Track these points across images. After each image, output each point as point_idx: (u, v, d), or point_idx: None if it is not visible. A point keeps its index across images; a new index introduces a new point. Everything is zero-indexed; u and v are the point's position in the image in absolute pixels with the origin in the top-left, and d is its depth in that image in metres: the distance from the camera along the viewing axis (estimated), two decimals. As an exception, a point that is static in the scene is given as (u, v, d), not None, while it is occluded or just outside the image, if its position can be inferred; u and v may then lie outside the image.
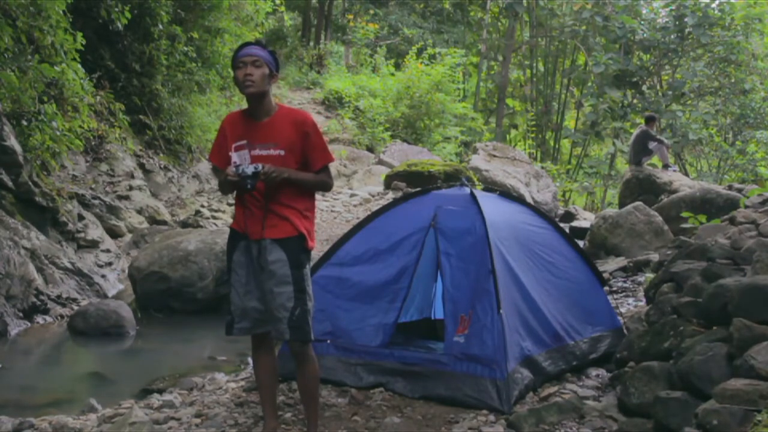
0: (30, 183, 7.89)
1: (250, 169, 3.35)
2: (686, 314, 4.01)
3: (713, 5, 20.98)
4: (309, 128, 3.49)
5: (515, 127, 26.23)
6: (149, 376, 5.37)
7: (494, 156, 15.89)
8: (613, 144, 21.75)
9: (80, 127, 9.20)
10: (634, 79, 21.64)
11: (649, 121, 14.19)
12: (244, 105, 3.62)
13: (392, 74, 21.67)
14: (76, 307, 7.10)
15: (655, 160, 14.37)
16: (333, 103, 20.65)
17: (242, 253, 3.52)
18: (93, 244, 8.59)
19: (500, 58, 25.34)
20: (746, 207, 5.80)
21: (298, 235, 3.45)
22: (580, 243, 8.34)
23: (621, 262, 8.43)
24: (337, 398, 4.26)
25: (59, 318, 6.98)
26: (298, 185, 3.48)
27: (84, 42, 8.81)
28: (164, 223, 10.33)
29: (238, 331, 3.56)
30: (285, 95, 19.93)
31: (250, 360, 5.75)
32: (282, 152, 3.45)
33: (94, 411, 4.45)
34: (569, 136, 23.96)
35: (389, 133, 19.15)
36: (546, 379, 4.50)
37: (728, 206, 8.81)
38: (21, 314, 6.67)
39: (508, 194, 5.63)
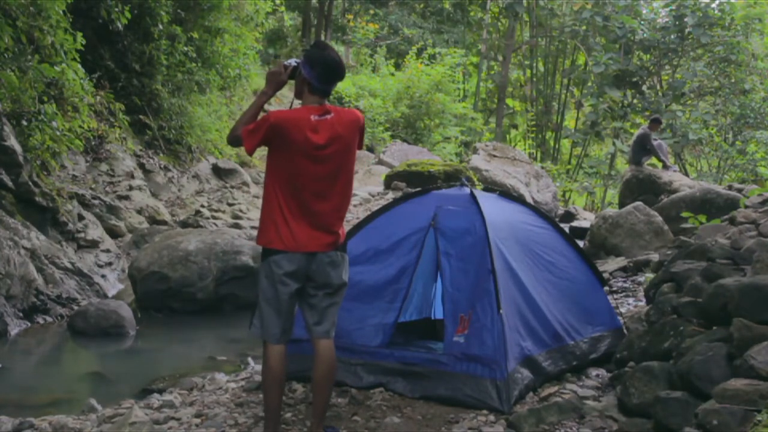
0: (30, 183, 7.89)
1: None
2: (686, 314, 4.01)
3: (713, 5, 20.97)
4: None
5: (515, 127, 26.22)
6: (149, 376, 5.37)
7: (494, 156, 15.88)
8: (613, 144, 21.72)
9: (80, 127, 9.20)
10: (634, 79, 21.63)
11: (653, 123, 14.01)
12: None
13: (392, 74, 21.69)
14: (76, 307, 7.10)
15: (654, 160, 14.35)
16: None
17: None
18: (93, 244, 8.59)
19: (500, 58, 25.33)
20: (746, 207, 5.79)
21: None
22: (580, 243, 8.33)
23: (621, 262, 8.42)
24: (337, 398, 4.25)
25: (59, 318, 6.98)
26: None
27: (84, 42, 8.81)
28: (164, 223, 10.33)
29: None
30: (285, 95, 19.89)
31: (250, 360, 5.76)
32: None
33: (94, 411, 4.45)
34: (569, 136, 23.94)
35: (389, 133, 19.15)
36: (546, 379, 4.50)
37: (728, 206, 8.79)
38: (21, 314, 6.67)
39: (508, 194, 5.62)
